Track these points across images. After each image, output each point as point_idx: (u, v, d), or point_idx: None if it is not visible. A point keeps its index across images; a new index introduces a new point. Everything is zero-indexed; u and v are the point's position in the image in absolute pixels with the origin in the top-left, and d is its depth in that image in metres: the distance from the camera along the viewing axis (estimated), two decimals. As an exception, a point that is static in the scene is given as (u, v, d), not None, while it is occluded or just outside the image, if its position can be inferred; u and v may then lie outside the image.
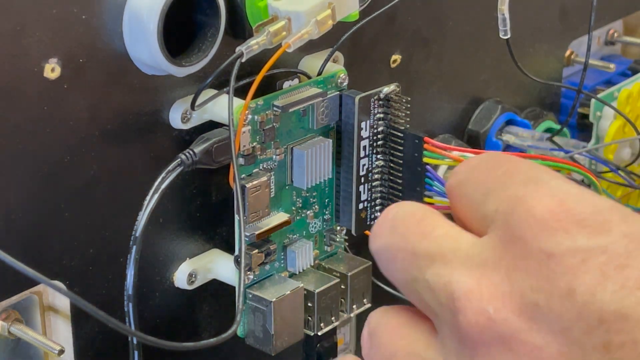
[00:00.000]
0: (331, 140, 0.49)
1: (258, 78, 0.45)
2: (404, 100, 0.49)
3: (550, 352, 0.30)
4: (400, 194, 0.50)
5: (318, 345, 0.52)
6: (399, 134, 0.49)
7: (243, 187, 0.46)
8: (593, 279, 0.29)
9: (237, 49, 0.44)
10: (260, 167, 0.48)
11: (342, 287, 0.51)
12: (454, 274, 0.32)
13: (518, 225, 0.31)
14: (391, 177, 0.50)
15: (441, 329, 0.33)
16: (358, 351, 0.61)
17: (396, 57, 0.56)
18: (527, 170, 0.34)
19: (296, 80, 0.50)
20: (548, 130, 0.66)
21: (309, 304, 0.49)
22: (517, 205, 0.32)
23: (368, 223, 0.51)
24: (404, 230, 0.35)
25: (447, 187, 0.36)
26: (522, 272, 0.31)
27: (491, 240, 0.32)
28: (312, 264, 0.51)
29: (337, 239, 0.52)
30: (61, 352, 0.43)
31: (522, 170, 0.34)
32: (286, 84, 0.49)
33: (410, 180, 0.49)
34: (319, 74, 0.50)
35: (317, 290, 0.49)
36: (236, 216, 0.46)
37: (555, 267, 0.30)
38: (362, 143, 0.49)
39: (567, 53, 0.69)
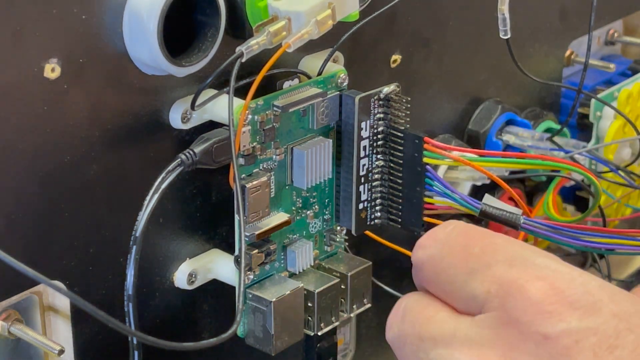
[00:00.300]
0: (331, 140, 0.49)
1: (258, 78, 0.45)
2: (404, 100, 0.49)
3: None
4: (400, 194, 0.50)
5: (318, 345, 0.52)
6: (399, 134, 0.49)
7: (243, 187, 0.46)
8: (587, 359, 0.31)
9: (237, 49, 0.44)
10: (260, 167, 0.48)
11: (342, 287, 0.51)
12: (455, 354, 0.34)
13: (514, 308, 0.33)
14: (391, 177, 0.50)
15: None
16: (359, 351, 0.61)
17: (396, 57, 0.56)
18: (506, 248, 0.36)
19: (296, 80, 0.50)
20: (548, 130, 0.66)
21: (309, 304, 0.49)
22: (511, 289, 0.34)
23: (368, 223, 0.51)
24: (411, 318, 0.38)
25: (415, 260, 0.39)
26: (520, 353, 0.33)
27: (488, 320, 0.34)
28: (312, 264, 0.51)
29: (337, 239, 0.52)
30: (61, 352, 0.43)
31: (501, 247, 0.36)
32: (286, 84, 0.49)
33: (410, 180, 0.49)
34: (319, 74, 0.50)
35: (317, 290, 0.49)
36: (236, 216, 0.46)
37: (551, 348, 0.32)
38: (362, 143, 0.49)
39: (567, 53, 0.69)
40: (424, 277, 0.39)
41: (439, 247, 0.38)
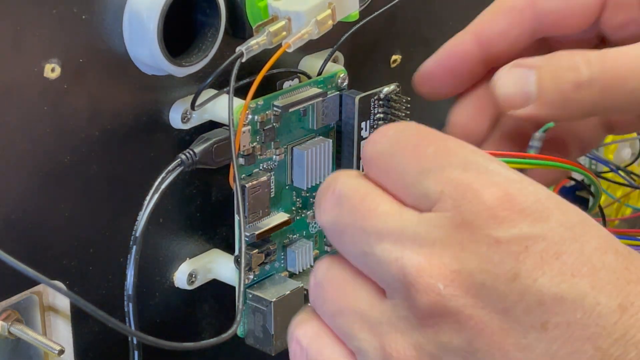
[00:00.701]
0: (331, 140, 0.49)
1: (258, 78, 0.45)
2: (404, 100, 0.49)
3: (492, 328, 0.33)
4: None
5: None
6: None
7: (243, 187, 0.46)
8: (534, 264, 0.33)
9: (237, 49, 0.44)
10: (260, 167, 0.48)
11: (342, 287, 0.51)
12: (405, 252, 0.34)
13: (469, 211, 0.34)
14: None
15: (392, 296, 0.35)
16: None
17: (396, 57, 0.56)
18: (460, 151, 0.36)
19: (296, 80, 0.50)
20: (548, 130, 0.66)
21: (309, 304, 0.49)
22: (466, 192, 0.34)
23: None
24: (349, 206, 0.37)
25: (364, 154, 0.38)
26: (471, 254, 0.33)
27: (439, 220, 0.35)
28: (312, 264, 0.51)
29: (337, 239, 0.52)
30: (61, 352, 0.43)
31: (454, 150, 0.36)
32: (286, 84, 0.49)
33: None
34: (319, 74, 0.50)
35: (317, 290, 0.49)
36: (236, 216, 0.46)
37: (502, 252, 0.33)
38: (362, 143, 0.49)
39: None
40: (371, 172, 0.38)
41: (390, 143, 0.38)
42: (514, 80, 0.44)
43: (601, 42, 0.48)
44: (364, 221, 0.36)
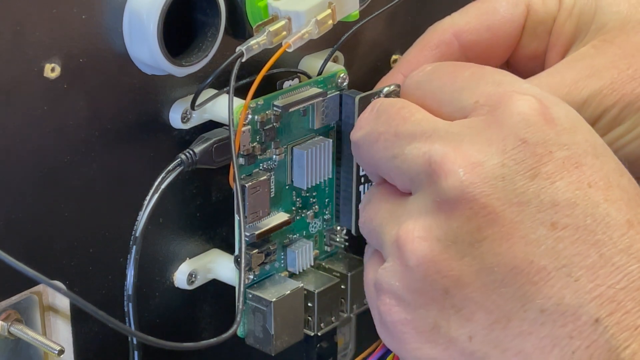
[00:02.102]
0: (331, 140, 0.49)
1: (258, 78, 0.45)
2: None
3: (504, 219, 0.35)
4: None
5: (318, 345, 0.52)
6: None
7: (243, 187, 0.46)
8: (555, 168, 0.35)
9: (238, 48, 0.44)
10: (260, 167, 0.48)
11: (342, 287, 0.51)
12: (434, 146, 0.36)
13: (501, 114, 0.36)
14: (391, 177, 0.50)
15: (416, 190, 0.38)
16: (359, 351, 0.61)
17: (396, 57, 0.56)
18: (494, 72, 0.39)
19: (296, 80, 0.50)
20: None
21: (309, 304, 0.49)
22: (500, 100, 0.36)
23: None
24: (386, 117, 0.39)
25: (405, 87, 0.42)
26: (495, 149, 0.35)
27: (472, 122, 0.37)
28: (312, 264, 0.51)
29: (337, 239, 0.52)
30: (61, 352, 0.43)
31: (489, 71, 0.39)
32: (286, 84, 0.49)
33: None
34: (319, 73, 0.50)
35: (317, 290, 0.49)
36: (236, 216, 0.46)
37: (526, 152, 0.35)
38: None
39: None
40: (410, 98, 0.41)
41: (428, 73, 0.41)
42: None
43: None
44: (398, 127, 0.39)
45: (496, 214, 0.35)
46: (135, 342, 0.45)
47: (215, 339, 0.41)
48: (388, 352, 0.45)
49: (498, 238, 0.35)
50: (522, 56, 0.49)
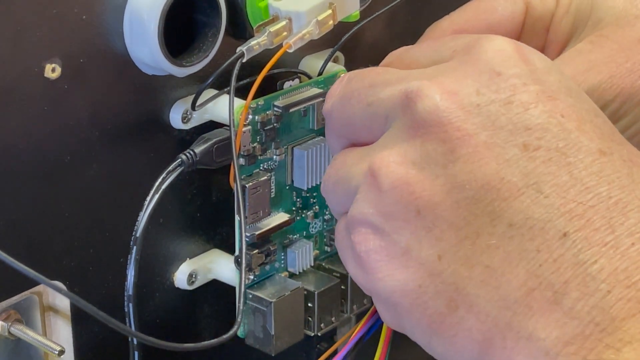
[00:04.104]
0: (332, 141, 0.49)
1: (259, 78, 0.45)
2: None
3: (477, 140, 0.35)
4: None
5: (318, 345, 0.52)
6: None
7: (243, 188, 0.46)
8: (528, 98, 0.36)
9: (238, 49, 0.44)
10: (261, 168, 0.48)
11: (342, 287, 0.51)
12: (411, 82, 0.37)
13: (478, 51, 0.37)
14: (392, 178, 0.50)
15: (390, 123, 0.38)
16: (358, 351, 0.61)
17: (397, 57, 0.56)
18: (468, 35, 0.40)
19: (297, 81, 0.50)
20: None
21: (309, 304, 0.49)
22: (478, 42, 0.38)
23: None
24: (359, 77, 0.40)
25: (382, 63, 0.43)
26: (471, 80, 0.36)
27: (448, 64, 0.38)
28: (312, 264, 0.51)
29: (338, 239, 0.52)
30: (61, 352, 0.43)
31: (463, 35, 0.40)
32: (287, 84, 0.49)
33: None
34: (320, 74, 0.50)
35: (317, 291, 0.49)
36: (236, 216, 0.46)
37: (501, 82, 0.36)
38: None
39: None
40: (394, 64, 0.42)
41: (407, 48, 0.43)
42: None
43: None
44: (372, 79, 0.39)
45: (470, 136, 0.36)
46: (135, 342, 0.45)
47: (215, 339, 0.41)
48: (378, 321, 0.45)
49: (471, 158, 0.35)
50: None
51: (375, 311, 0.44)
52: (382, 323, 0.44)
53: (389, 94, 0.38)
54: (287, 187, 0.49)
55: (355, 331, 0.45)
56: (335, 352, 0.46)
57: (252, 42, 0.44)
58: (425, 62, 0.40)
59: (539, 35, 0.48)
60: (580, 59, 0.45)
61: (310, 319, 0.50)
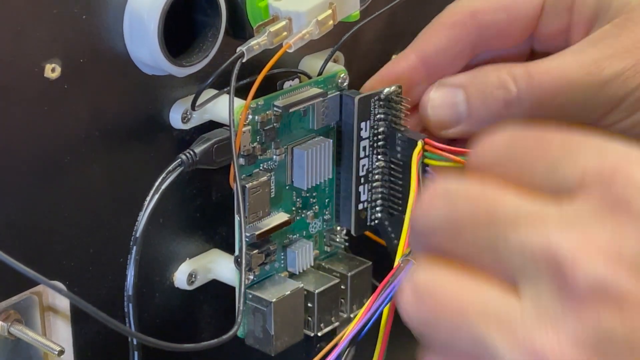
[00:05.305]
0: (331, 141, 0.49)
1: (259, 78, 0.45)
2: (404, 101, 0.49)
3: None
4: (401, 195, 0.50)
5: (318, 345, 0.52)
6: (400, 134, 0.49)
7: (243, 188, 0.46)
8: None
9: (238, 49, 0.44)
10: (261, 168, 0.48)
11: (342, 287, 0.51)
12: (553, 235, 0.31)
13: (622, 192, 0.31)
14: (392, 178, 0.50)
15: (533, 287, 0.31)
16: (359, 351, 0.61)
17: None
18: (587, 138, 0.33)
19: (297, 81, 0.50)
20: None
21: (309, 304, 0.49)
22: (614, 174, 0.31)
23: (368, 223, 0.51)
24: (465, 199, 0.32)
25: (478, 162, 0.34)
26: (630, 234, 0.30)
27: (588, 204, 0.31)
28: (312, 264, 0.51)
29: (337, 239, 0.52)
30: (61, 352, 0.43)
31: (582, 138, 0.33)
32: (287, 84, 0.49)
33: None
34: (320, 74, 0.50)
35: (317, 291, 0.49)
36: (236, 216, 0.46)
37: None
38: (362, 143, 0.49)
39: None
40: (487, 176, 0.33)
41: (507, 145, 0.34)
42: (443, 101, 0.45)
43: (531, 55, 0.49)
44: (489, 213, 0.32)
45: None
46: (135, 342, 0.45)
47: (215, 340, 0.41)
48: (382, 304, 0.43)
49: None
50: (546, 33, 0.48)
51: (369, 308, 0.43)
52: (378, 321, 0.44)
53: (525, 246, 0.31)
54: (287, 187, 0.49)
55: (349, 330, 0.45)
56: (330, 352, 0.46)
57: (252, 42, 0.44)
58: (540, 180, 0.33)
59: (561, 15, 0.47)
60: (604, 43, 0.43)
61: (310, 319, 0.50)
